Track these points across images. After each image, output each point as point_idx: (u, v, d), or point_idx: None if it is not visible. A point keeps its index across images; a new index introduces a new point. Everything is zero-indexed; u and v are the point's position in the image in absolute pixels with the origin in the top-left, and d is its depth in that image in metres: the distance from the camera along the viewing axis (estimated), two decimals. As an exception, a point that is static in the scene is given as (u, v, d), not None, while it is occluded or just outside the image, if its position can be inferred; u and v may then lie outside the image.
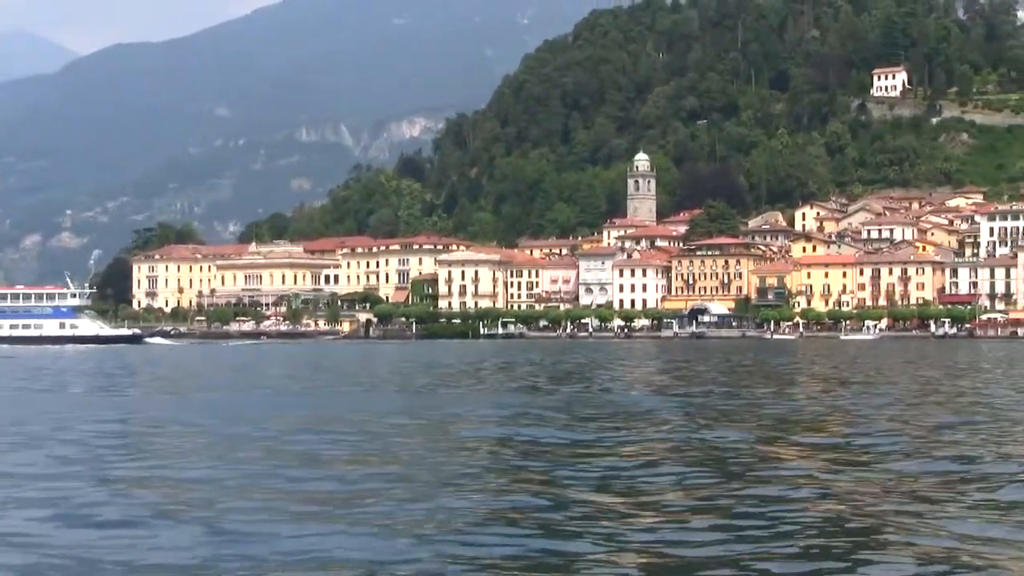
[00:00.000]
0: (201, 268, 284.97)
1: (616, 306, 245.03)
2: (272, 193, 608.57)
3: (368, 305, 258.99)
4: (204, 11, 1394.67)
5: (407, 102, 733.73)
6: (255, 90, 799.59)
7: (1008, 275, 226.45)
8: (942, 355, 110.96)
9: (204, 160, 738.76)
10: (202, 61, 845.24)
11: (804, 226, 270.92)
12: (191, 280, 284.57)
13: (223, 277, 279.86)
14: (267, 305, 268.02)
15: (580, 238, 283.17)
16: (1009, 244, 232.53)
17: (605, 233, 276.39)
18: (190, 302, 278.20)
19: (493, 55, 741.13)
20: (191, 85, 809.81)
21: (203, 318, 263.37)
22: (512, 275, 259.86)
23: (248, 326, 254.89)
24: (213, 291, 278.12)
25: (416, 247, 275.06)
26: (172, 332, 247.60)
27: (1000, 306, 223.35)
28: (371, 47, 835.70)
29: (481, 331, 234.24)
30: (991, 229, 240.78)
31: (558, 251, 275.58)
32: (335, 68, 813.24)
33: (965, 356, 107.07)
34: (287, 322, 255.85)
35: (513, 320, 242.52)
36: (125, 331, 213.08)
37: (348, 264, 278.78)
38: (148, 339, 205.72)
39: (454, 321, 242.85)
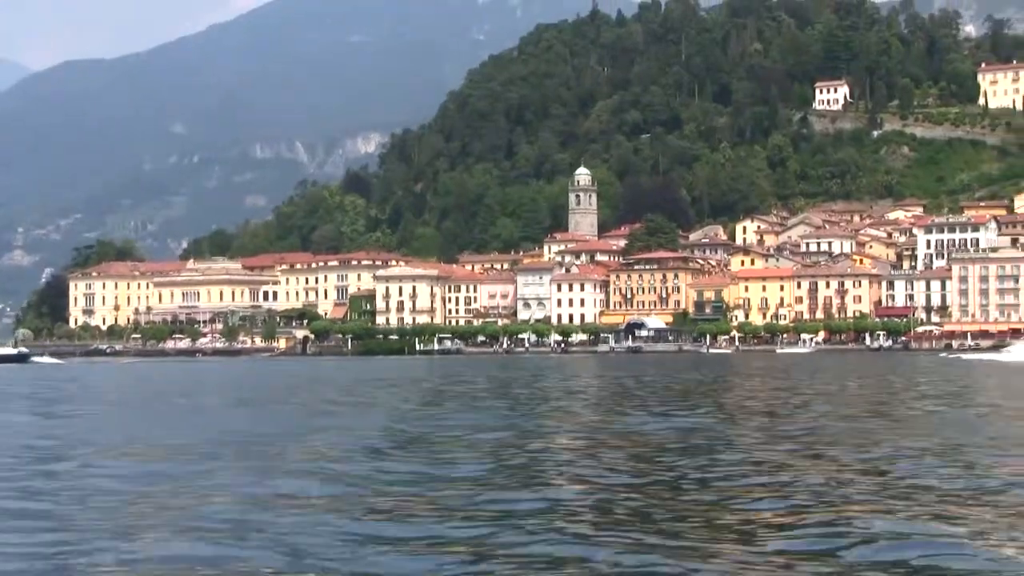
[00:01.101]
0: (139, 285, 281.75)
1: (554, 321, 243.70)
2: (226, 210, 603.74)
3: (306, 322, 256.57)
4: (158, 27, 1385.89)
5: (362, 118, 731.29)
6: (210, 107, 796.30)
7: (944, 287, 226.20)
8: (847, 368, 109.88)
9: (158, 177, 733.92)
10: (156, 77, 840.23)
11: (745, 239, 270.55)
12: (128, 297, 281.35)
13: (160, 294, 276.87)
14: (204, 322, 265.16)
15: (522, 253, 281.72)
16: (945, 257, 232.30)
17: (546, 248, 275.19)
18: (127, 320, 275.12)
19: (449, 71, 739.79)
20: (145, 101, 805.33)
21: (139, 336, 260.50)
22: (450, 290, 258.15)
23: (184, 343, 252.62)
24: (149, 308, 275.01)
25: (355, 263, 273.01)
26: (108, 350, 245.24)
27: (936, 319, 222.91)
28: (326, 63, 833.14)
29: (417, 347, 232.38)
30: (928, 242, 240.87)
31: (500, 266, 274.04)
32: (290, 84, 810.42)
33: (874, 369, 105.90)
34: (223, 339, 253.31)
35: (450, 336, 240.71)
36: (10, 350, 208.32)
37: (287, 280, 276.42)
38: (36, 358, 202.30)
39: (391, 337, 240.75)
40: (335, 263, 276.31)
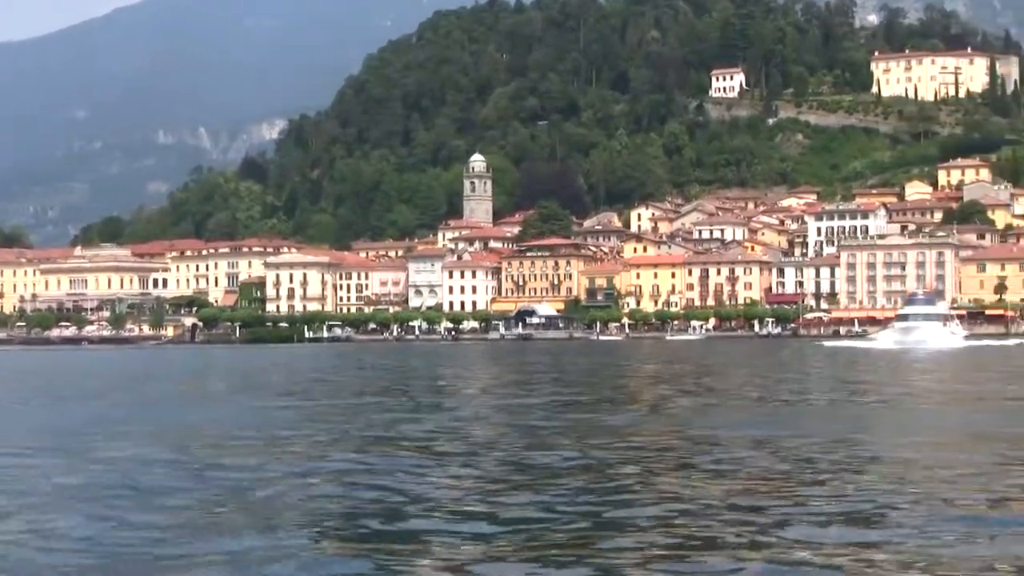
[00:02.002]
0: (25, 272, 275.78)
1: (446, 308, 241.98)
2: (128, 196, 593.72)
3: (195, 309, 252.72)
4: (61, 11, 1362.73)
5: (267, 104, 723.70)
6: (112, 91, 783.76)
7: (833, 274, 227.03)
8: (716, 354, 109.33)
9: (59, 163, 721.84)
10: (59, 62, 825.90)
11: (640, 227, 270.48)
12: (14, 285, 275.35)
13: (47, 281, 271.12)
14: (91, 310, 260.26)
15: (417, 240, 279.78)
16: (836, 244, 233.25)
17: (440, 235, 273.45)
18: (13, 307, 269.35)
19: (355, 56, 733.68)
20: (47, 86, 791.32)
21: (23, 324, 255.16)
22: (342, 277, 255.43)
23: (69, 332, 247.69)
24: (35, 296, 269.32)
25: (246, 250, 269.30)
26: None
27: (825, 305, 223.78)
28: (231, 49, 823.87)
29: (306, 335, 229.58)
30: (819, 229, 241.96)
31: (394, 253, 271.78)
32: (194, 70, 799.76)
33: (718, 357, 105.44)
34: (110, 327, 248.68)
35: (340, 323, 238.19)
36: None
37: (177, 268, 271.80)
38: None
39: (280, 325, 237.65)
40: (226, 250, 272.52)
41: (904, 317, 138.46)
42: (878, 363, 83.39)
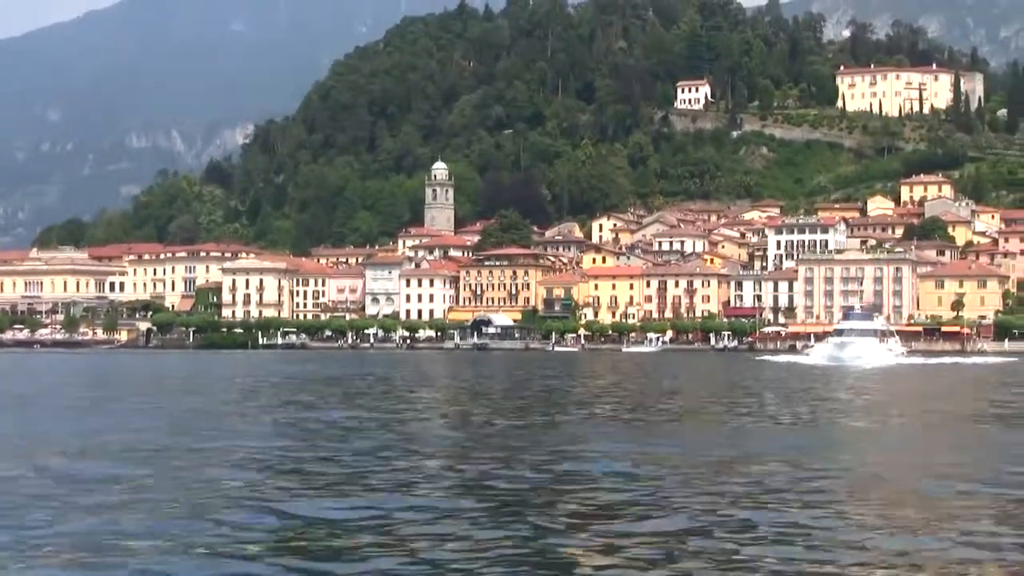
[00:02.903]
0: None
1: (403, 316, 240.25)
2: (100, 199, 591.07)
3: (150, 314, 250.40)
4: (34, 12, 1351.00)
5: (241, 108, 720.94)
6: (85, 94, 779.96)
7: (791, 289, 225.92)
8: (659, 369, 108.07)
9: (30, 164, 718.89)
10: (31, 63, 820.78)
11: (601, 237, 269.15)
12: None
13: (2, 283, 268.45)
14: (45, 313, 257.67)
15: (377, 247, 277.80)
16: (795, 258, 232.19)
17: (400, 242, 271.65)
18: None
19: (329, 62, 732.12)
20: (19, 87, 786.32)
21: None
22: (299, 284, 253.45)
23: (23, 334, 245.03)
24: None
25: (204, 254, 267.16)
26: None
27: (782, 319, 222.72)
28: (206, 52, 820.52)
29: (261, 341, 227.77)
30: (778, 243, 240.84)
31: (354, 260, 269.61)
32: (168, 73, 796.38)
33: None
34: (64, 331, 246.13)
35: (294, 330, 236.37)
36: None
37: (135, 271, 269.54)
38: None
39: (235, 330, 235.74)
40: (183, 254, 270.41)
41: (840, 332, 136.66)
42: (792, 378, 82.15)
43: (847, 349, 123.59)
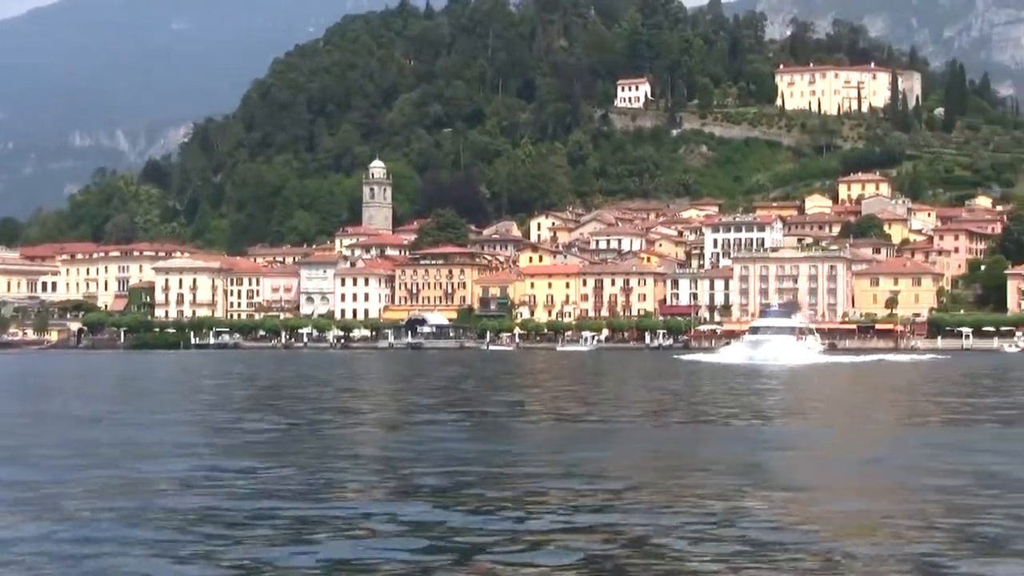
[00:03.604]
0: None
1: (338, 315, 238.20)
2: (43, 198, 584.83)
3: (82, 314, 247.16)
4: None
5: (187, 107, 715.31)
6: (29, 93, 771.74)
7: (727, 287, 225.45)
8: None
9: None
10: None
11: (539, 236, 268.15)
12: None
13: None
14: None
15: (315, 246, 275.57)
16: (731, 256, 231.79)
17: (337, 241, 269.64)
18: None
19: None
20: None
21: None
22: (233, 283, 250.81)
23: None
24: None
25: (137, 254, 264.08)
26: None
27: (718, 317, 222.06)
28: (150, 52, 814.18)
29: (192, 341, 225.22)
30: (715, 241, 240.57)
31: (290, 259, 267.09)
32: (112, 72, 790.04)
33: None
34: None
35: (227, 330, 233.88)
36: None
37: (68, 271, 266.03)
38: None
39: (167, 331, 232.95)
40: (117, 254, 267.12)
41: (755, 330, 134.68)
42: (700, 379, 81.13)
43: (762, 348, 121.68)
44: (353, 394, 63.93)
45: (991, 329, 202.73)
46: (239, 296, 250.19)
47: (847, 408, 50.55)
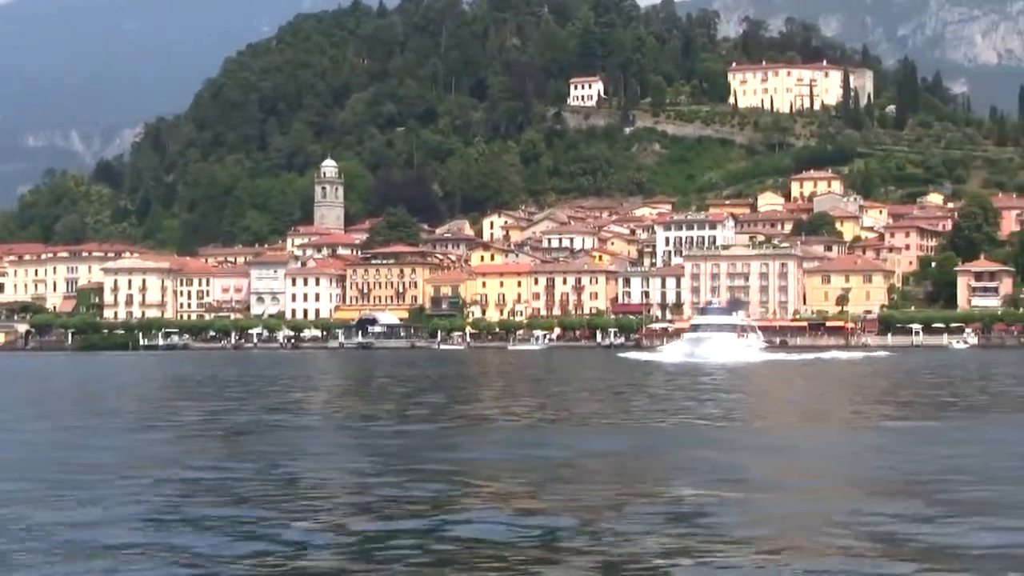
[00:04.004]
0: None
1: (289, 316, 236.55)
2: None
3: (29, 315, 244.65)
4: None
5: (142, 107, 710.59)
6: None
7: (679, 284, 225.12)
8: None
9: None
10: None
11: (492, 235, 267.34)
12: None
13: None
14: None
15: (266, 246, 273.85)
16: (683, 254, 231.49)
17: (288, 241, 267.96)
18: None
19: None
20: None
21: None
22: (182, 284, 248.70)
23: None
24: None
25: (86, 255, 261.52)
26: None
27: (669, 316, 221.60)
28: (105, 52, 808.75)
29: (141, 342, 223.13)
30: (667, 239, 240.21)
31: (242, 259, 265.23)
32: (66, 73, 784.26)
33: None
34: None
35: (176, 330, 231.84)
36: None
37: (15, 272, 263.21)
38: None
39: (116, 332, 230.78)
40: (65, 254, 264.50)
41: (695, 328, 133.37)
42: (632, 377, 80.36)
43: (702, 345, 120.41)
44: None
45: (941, 326, 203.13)
46: (189, 297, 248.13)
47: (740, 405, 49.18)
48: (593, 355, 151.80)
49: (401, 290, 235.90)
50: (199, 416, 42.26)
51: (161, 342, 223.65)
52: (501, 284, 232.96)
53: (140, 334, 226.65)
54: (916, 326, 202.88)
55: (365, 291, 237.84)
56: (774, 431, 35.36)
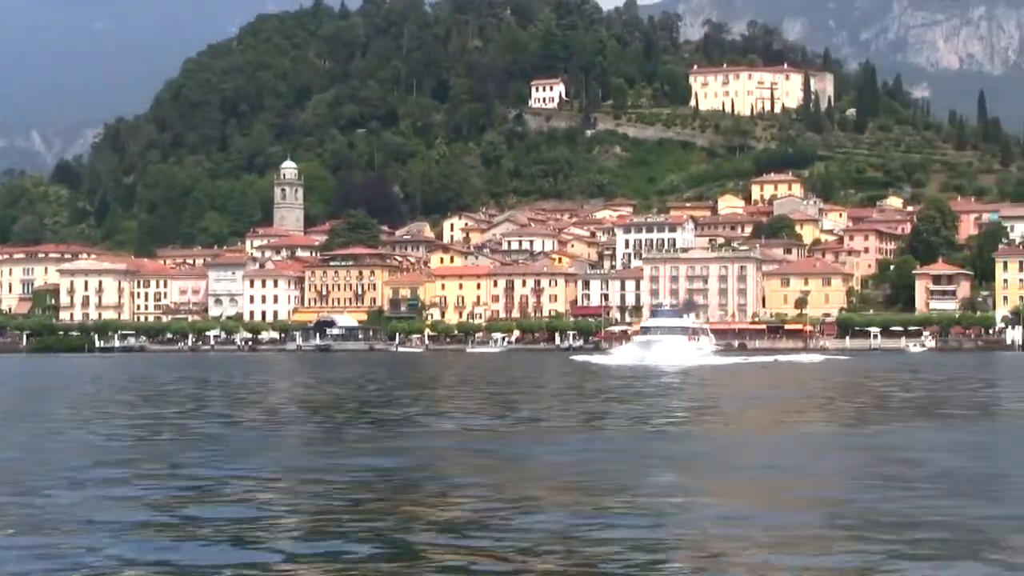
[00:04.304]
0: None
1: (247, 318, 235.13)
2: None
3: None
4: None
5: (105, 108, 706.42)
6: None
7: (638, 287, 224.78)
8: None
9: None
10: None
11: (452, 237, 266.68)
12: None
13: None
14: None
15: (225, 248, 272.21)
16: (642, 257, 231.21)
17: (247, 242, 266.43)
18: None
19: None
20: None
21: None
22: (140, 285, 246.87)
23: None
24: None
25: (43, 256, 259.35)
26: None
27: (629, 318, 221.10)
28: (73, 51, 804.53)
29: (97, 344, 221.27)
30: (627, 241, 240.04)
31: (201, 261, 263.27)
32: (29, 72, 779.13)
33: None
34: None
35: (133, 332, 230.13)
36: None
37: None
38: None
39: (72, 334, 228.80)
40: (21, 256, 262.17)
41: (646, 330, 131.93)
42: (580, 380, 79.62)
43: (652, 348, 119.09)
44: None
45: (899, 329, 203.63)
46: (146, 298, 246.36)
47: (652, 409, 47.93)
48: (549, 358, 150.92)
49: (360, 292, 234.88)
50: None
51: (117, 344, 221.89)
52: (460, 286, 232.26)
53: (96, 336, 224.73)
54: (874, 329, 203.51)
55: (324, 293, 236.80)
56: (667, 435, 34.42)
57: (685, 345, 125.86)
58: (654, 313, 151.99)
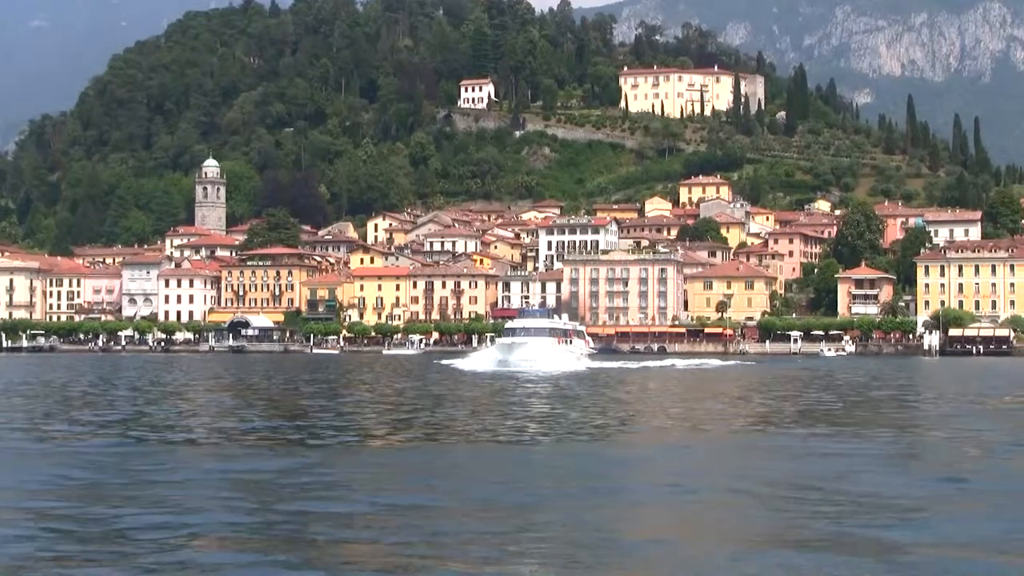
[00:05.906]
0: None
1: (161, 317, 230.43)
2: None
3: None
4: None
5: (40, 106, 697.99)
6: None
7: (559, 290, 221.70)
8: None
9: None
10: None
11: (376, 237, 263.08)
12: None
13: None
14: None
15: (146, 247, 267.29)
16: (565, 258, 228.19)
17: (167, 241, 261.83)
18: None
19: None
20: None
21: None
22: (52, 284, 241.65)
23: None
24: None
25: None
26: None
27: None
28: (6, 48, 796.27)
29: (5, 343, 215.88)
30: (550, 243, 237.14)
31: (119, 260, 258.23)
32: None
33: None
34: None
35: (43, 332, 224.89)
36: None
37: None
38: None
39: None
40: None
41: (511, 332, 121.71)
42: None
43: (516, 351, 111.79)
44: None
45: (820, 333, 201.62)
46: (59, 297, 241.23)
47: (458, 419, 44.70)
48: (428, 360, 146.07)
49: (277, 292, 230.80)
50: None
51: (26, 344, 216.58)
52: (379, 287, 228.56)
53: (3, 335, 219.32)
54: (795, 333, 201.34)
55: (241, 293, 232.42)
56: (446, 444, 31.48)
57: (553, 348, 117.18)
58: (520, 313, 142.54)
